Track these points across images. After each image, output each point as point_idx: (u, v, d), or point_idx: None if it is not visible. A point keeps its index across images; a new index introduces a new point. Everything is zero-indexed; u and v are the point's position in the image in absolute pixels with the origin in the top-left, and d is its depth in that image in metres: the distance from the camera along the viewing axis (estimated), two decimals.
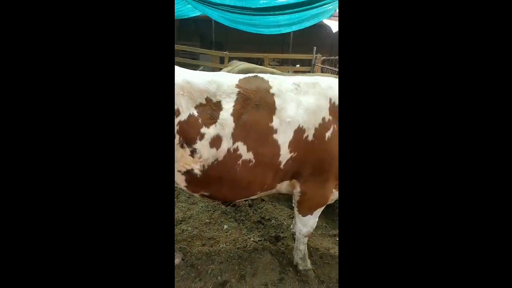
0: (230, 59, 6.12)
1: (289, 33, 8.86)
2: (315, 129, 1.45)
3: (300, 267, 1.86)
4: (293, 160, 1.48)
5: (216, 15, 4.34)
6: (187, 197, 2.78)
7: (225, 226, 2.37)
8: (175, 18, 6.22)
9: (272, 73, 2.91)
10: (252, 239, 2.22)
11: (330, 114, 1.47)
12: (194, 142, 1.37)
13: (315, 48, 6.39)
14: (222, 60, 6.46)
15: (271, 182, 1.55)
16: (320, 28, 8.97)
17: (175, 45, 5.54)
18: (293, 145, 1.45)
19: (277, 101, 1.44)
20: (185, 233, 2.24)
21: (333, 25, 8.13)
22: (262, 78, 1.53)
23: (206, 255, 2.00)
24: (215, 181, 1.47)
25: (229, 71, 3.30)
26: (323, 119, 1.46)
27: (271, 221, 2.50)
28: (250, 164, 1.43)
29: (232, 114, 1.39)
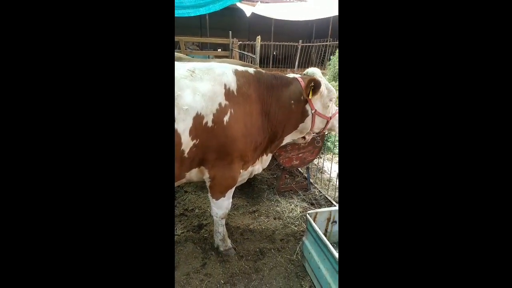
0: None
1: (205, 16, 8.53)
2: (213, 114, 1.50)
3: (221, 248, 1.97)
4: (196, 147, 1.51)
5: None
6: None
7: None
8: None
9: (180, 58, 2.79)
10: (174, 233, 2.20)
11: (226, 99, 1.53)
12: None
13: (230, 32, 6.39)
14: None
15: (178, 172, 1.56)
16: (234, 12, 8.95)
17: None
18: (193, 132, 1.47)
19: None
20: None
21: (247, 9, 8.24)
22: None
23: None
24: None
25: None
26: (220, 104, 1.52)
27: (194, 211, 2.52)
28: None
29: None
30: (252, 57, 5.45)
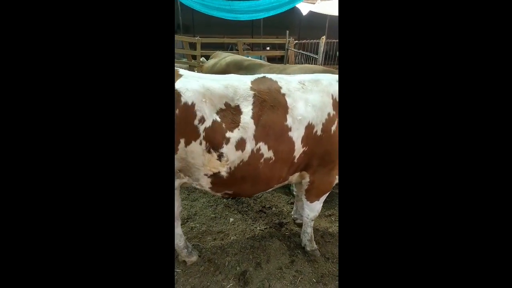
0: (202, 44, 5.90)
1: None
2: (322, 124, 1.60)
3: (308, 248, 2.09)
4: (304, 153, 1.63)
5: (191, 1, 4.11)
6: (187, 194, 2.82)
7: (231, 219, 2.49)
8: None
9: (260, 64, 2.95)
10: (258, 228, 2.38)
11: (333, 109, 1.62)
12: (221, 147, 1.44)
13: (288, 31, 6.42)
14: (192, 46, 6.19)
15: (285, 175, 1.70)
16: (289, 10, 8.95)
17: None
18: (305, 140, 1.59)
19: (288, 101, 1.55)
20: (194, 230, 2.32)
21: (304, 8, 8.17)
22: (271, 79, 1.63)
23: (220, 249, 2.12)
24: (239, 180, 1.56)
25: (216, 63, 3.25)
26: (328, 114, 1.61)
27: (271, 209, 2.68)
28: (271, 161, 1.55)
29: (252, 117, 1.47)
30: (314, 57, 5.41)
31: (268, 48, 9.87)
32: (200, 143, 1.41)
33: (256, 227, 2.39)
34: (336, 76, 1.79)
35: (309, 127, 1.58)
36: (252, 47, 10.35)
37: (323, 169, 1.73)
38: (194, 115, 1.38)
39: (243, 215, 2.56)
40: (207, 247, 2.14)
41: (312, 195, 1.88)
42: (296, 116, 1.55)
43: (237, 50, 6.13)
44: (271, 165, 1.56)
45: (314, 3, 8.52)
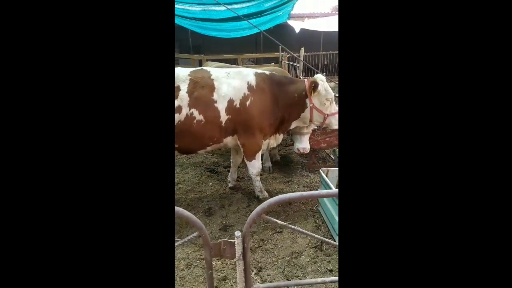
0: (209, 61, 6.97)
1: (259, 34, 9.77)
2: (239, 100, 2.45)
3: (261, 197, 2.80)
4: (229, 120, 2.45)
5: (188, 24, 5.21)
6: (181, 169, 3.65)
7: (210, 183, 3.26)
8: None
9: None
10: (228, 190, 3.12)
11: (248, 91, 2.48)
12: None
13: (280, 47, 7.36)
14: (200, 63, 7.28)
15: (219, 136, 2.50)
16: (285, 28, 10.00)
17: None
18: (227, 110, 2.43)
19: (215, 83, 2.44)
20: (181, 189, 3.12)
21: (296, 25, 9.18)
22: (206, 70, 2.57)
23: (197, 199, 2.89)
24: (180, 135, 2.33)
25: None
26: (244, 93, 2.47)
27: (244, 179, 3.41)
28: (202, 122, 2.37)
29: (187, 92, 2.33)
30: (297, 66, 6.26)
31: (272, 64, 10.91)
32: None
33: (227, 189, 3.13)
34: (255, 70, 2.67)
35: (230, 102, 2.44)
36: (256, 62, 11.45)
37: (247, 133, 2.53)
38: None
39: (220, 181, 3.32)
40: (188, 198, 2.91)
41: (248, 155, 2.65)
42: (221, 93, 2.43)
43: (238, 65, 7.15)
44: (203, 125, 2.40)
45: (303, 21, 9.52)
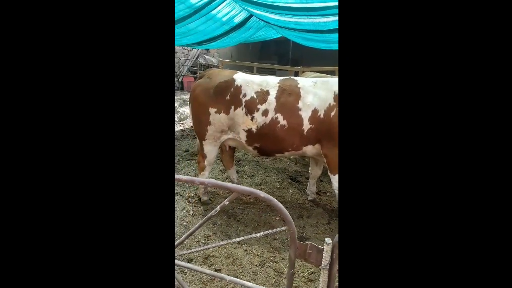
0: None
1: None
2: (324, 110, 2.36)
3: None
4: (311, 129, 2.40)
5: (293, 35, 5.41)
6: (264, 171, 3.79)
7: (290, 191, 3.23)
8: (261, 40, 7.66)
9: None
10: (308, 202, 3.00)
11: (333, 101, 2.37)
12: (254, 112, 2.44)
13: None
14: (296, 74, 7.51)
15: (298, 144, 2.47)
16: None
17: (256, 63, 6.96)
18: (311, 119, 2.38)
19: (302, 92, 2.42)
20: (262, 190, 3.22)
21: None
22: (293, 78, 2.60)
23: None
24: (263, 136, 2.45)
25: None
26: (329, 104, 2.37)
27: (326, 194, 3.22)
28: (285, 128, 2.42)
29: (275, 97, 2.42)
30: None
31: None
32: (242, 109, 2.43)
33: (307, 201, 3.02)
34: None
35: (314, 111, 2.39)
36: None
37: (329, 143, 2.39)
38: (240, 92, 2.43)
39: (300, 191, 3.24)
40: None
41: (332, 168, 2.47)
42: (306, 102, 2.40)
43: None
44: (285, 130, 2.43)
45: None
